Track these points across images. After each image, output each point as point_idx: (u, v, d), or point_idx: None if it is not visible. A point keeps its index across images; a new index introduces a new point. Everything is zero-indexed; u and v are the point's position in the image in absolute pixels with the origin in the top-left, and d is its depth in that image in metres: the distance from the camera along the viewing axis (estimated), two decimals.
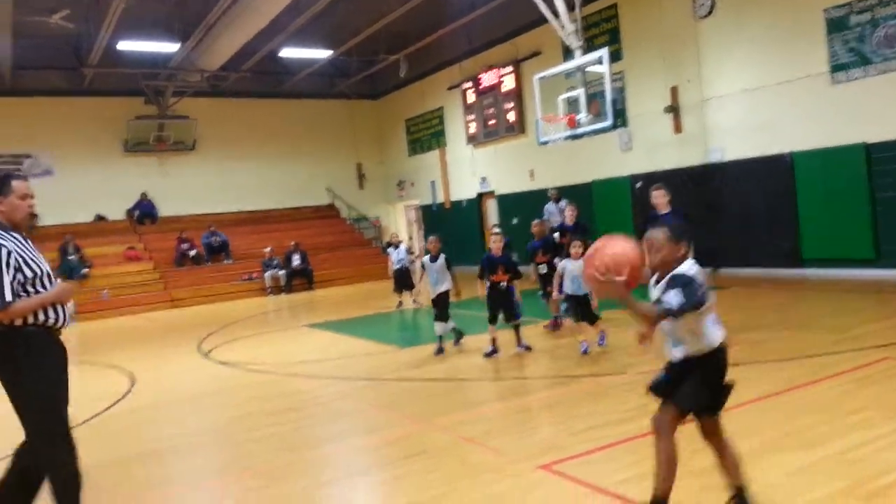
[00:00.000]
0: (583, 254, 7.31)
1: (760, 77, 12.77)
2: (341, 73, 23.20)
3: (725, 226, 13.59)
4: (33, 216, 3.88)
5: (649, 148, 15.02)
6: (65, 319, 3.77)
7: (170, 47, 18.17)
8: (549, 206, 15.40)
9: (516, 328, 7.97)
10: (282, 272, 19.36)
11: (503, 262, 8.01)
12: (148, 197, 21.42)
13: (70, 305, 3.91)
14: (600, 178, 16.09)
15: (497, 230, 8.37)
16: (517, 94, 18.37)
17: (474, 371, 7.58)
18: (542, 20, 14.63)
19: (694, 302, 3.24)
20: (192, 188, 21.98)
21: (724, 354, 3.55)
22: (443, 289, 8.50)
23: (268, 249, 19.59)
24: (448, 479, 4.21)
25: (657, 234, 3.46)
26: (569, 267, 7.50)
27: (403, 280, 13.67)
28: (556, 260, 8.74)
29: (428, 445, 4.92)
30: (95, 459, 5.37)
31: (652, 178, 14.81)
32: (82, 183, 20.42)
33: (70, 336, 13.97)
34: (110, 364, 9.72)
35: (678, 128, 14.35)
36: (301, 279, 19.45)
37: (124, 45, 17.76)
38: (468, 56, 20.02)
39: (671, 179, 14.39)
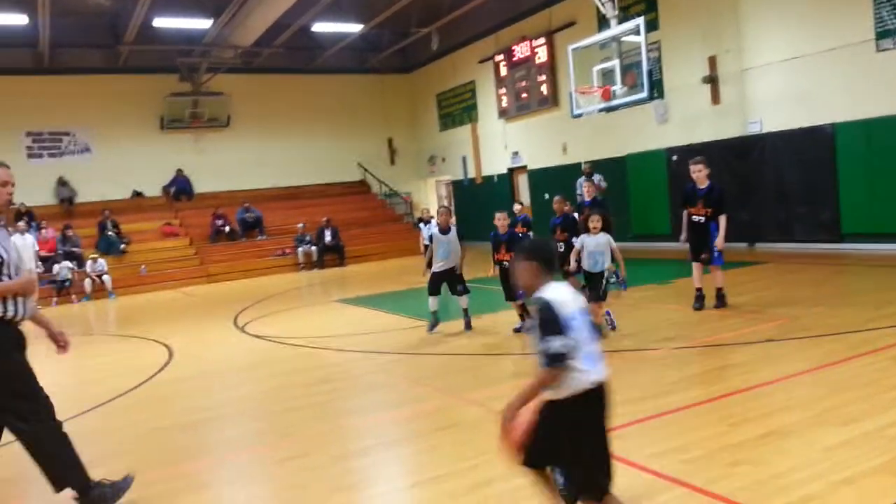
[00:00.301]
0: (602, 228, 7.19)
1: (802, 46, 12.38)
2: (373, 48, 23.12)
3: (764, 199, 13.31)
4: (10, 203, 3.88)
5: (686, 120, 14.71)
6: (23, 314, 3.70)
7: (203, 24, 18.28)
8: (582, 180, 15.22)
9: (521, 306, 7.79)
10: (314, 248, 19.53)
11: (505, 240, 7.97)
12: (184, 173, 21.72)
13: (32, 300, 3.82)
14: (635, 151, 15.84)
15: (501, 212, 8.29)
16: (550, 67, 18.11)
17: (505, 346, 7.58)
18: None
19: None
20: (226, 164, 22.22)
21: (591, 401, 2.75)
22: (450, 264, 8.34)
23: (300, 225, 19.76)
24: (479, 451, 4.23)
25: (516, 259, 2.96)
26: (586, 241, 7.33)
27: None
28: (574, 239, 8.58)
29: (459, 418, 4.94)
30: (135, 430, 5.53)
31: (689, 152, 14.53)
32: (120, 160, 20.79)
33: (109, 310, 14.38)
34: (149, 337, 9.94)
35: (716, 99, 14.02)
36: (332, 255, 19.61)
37: (159, 22, 17.93)
38: (500, 28, 19.76)
39: (708, 152, 14.12)
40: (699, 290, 8.06)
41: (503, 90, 20.01)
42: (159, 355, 8.47)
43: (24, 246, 15.54)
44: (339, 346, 8.09)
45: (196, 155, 22.00)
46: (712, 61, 13.92)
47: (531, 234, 9.36)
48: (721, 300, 8.02)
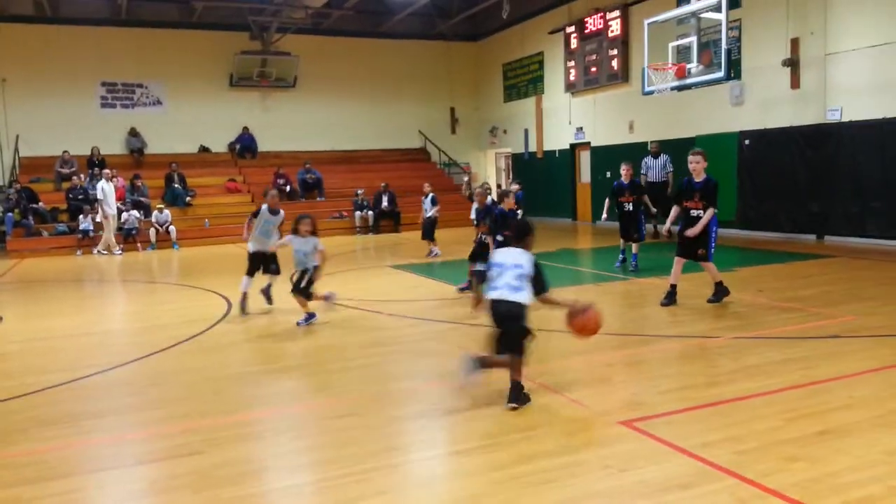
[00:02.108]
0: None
1: (891, 32, 11.74)
2: (442, 14, 22.90)
3: (836, 191, 12.79)
4: None
5: (762, 103, 14.18)
6: None
7: None
8: (648, 160, 14.93)
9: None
10: (370, 212, 19.71)
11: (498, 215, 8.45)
12: (249, 131, 22.12)
13: None
14: (705, 133, 15.36)
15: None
16: (623, 41, 17.65)
17: (560, 322, 7.53)
18: None
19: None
20: (290, 125, 22.52)
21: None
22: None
23: (359, 191, 19.93)
24: (528, 426, 4.25)
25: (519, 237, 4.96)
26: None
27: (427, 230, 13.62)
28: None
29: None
30: (194, 376, 5.74)
31: (763, 136, 14.08)
32: (189, 114, 21.30)
33: (173, 259, 14.86)
34: (209, 289, 10.24)
35: (795, 83, 13.44)
36: (388, 220, 19.75)
37: None
38: None
39: (783, 138, 13.65)
40: (674, 286, 7.74)
41: (572, 63, 19.62)
42: (218, 306, 8.73)
43: (111, 191, 16.26)
44: (391, 311, 8.18)
45: (262, 113, 22.37)
46: (794, 43, 13.33)
47: (520, 211, 9.40)
48: (720, 294, 7.68)
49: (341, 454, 3.94)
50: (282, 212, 8.38)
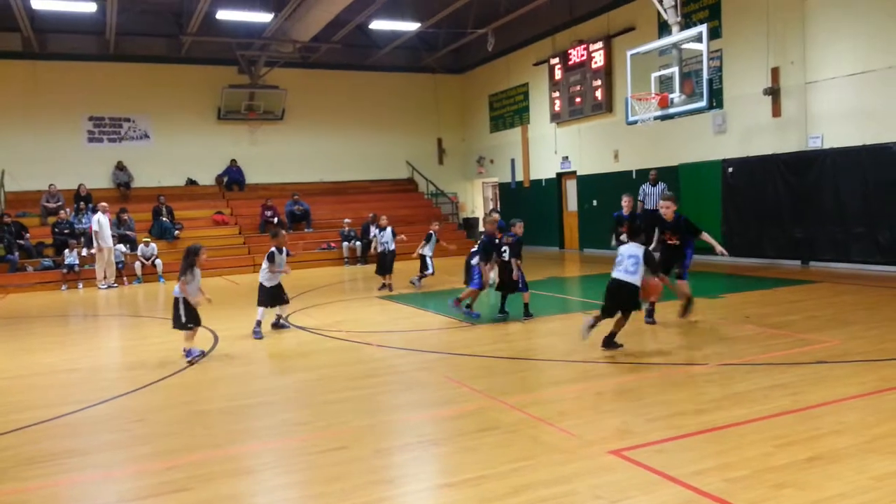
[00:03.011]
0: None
1: (870, 61, 12.01)
2: (428, 47, 23.24)
3: (820, 217, 12.95)
4: None
5: (744, 132, 14.41)
6: None
7: (264, 17, 18.64)
8: (646, 187, 15.22)
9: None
10: (358, 243, 19.71)
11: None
12: (237, 164, 22.18)
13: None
14: (689, 161, 15.57)
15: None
16: (606, 72, 17.94)
17: (548, 351, 7.55)
18: None
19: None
20: (278, 157, 22.63)
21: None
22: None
23: (347, 221, 19.95)
24: (518, 456, 4.23)
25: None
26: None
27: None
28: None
29: (500, 421, 4.94)
30: (181, 411, 5.68)
31: (746, 164, 14.27)
32: (176, 148, 21.37)
33: (159, 293, 14.75)
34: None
35: (777, 112, 13.69)
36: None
37: (222, 15, 18.33)
38: (557, 31, 19.67)
39: (765, 165, 13.84)
40: (653, 303, 8.27)
41: (556, 94, 19.89)
42: (205, 340, 8.66)
43: (106, 224, 16.37)
44: (381, 342, 8.15)
45: (250, 146, 22.46)
46: (775, 73, 13.60)
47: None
48: (688, 309, 8.27)
49: (329, 489, 3.90)
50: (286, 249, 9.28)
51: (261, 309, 8.96)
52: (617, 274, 6.80)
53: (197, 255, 7.72)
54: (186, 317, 7.46)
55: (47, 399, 6.28)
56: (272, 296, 9.05)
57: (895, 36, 11.59)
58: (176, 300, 7.54)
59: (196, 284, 7.67)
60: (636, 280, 6.72)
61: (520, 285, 8.95)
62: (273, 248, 9.02)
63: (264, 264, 8.98)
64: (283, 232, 9.64)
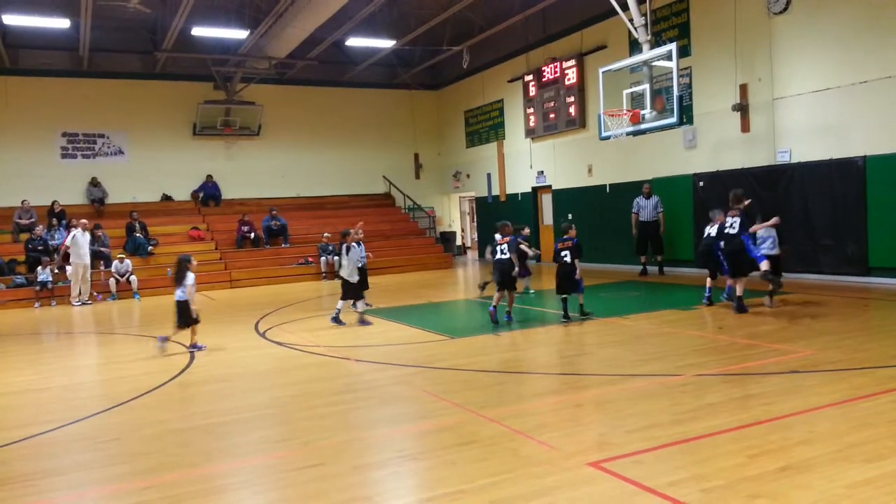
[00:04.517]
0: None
1: (835, 77, 12.32)
2: (404, 63, 23.37)
3: (789, 230, 13.17)
4: None
5: (714, 146, 14.67)
6: None
7: (239, 34, 18.62)
8: (640, 200, 15.47)
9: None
10: (336, 258, 19.65)
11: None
12: (213, 179, 22.04)
13: None
14: (661, 175, 15.81)
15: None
16: (579, 88, 18.18)
17: (527, 364, 7.60)
18: (609, 13, 14.41)
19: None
20: (255, 172, 22.55)
21: None
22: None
23: (326, 236, 19.90)
24: (497, 470, 4.25)
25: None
26: None
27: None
28: None
29: (479, 435, 4.96)
30: (156, 429, 5.61)
31: (716, 177, 14.51)
32: (151, 163, 21.19)
33: (133, 310, 14.57)
34: (172, 339, 10.05)
35: (746, 127, 13.97)
36: None
37: (197, 31, 18.28)
38: (531, 49, 19.90)
39: (735, 180, 14.07)
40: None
41: (531, 110, 20.10)
42: (181, 357, 8.58)
43: (85, 241, 16.15)
44: (360, 356, 8.14)
45: (226, 162, 22.35)
46: (743, 89, 13.89)
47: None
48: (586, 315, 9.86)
49: None
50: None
51: (340, 302, 10.60)
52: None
53: (188, 262, 8.99)
54: (194, 315, 8.95)
55: (19, 419, 6.17)
56: (351, 288, 10.44)
57: (860, 53, 11.91)
58: (181, 302, 8.86)
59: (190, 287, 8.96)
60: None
61: (579, 287, 9.94)
62: (353, 243, 10.49)
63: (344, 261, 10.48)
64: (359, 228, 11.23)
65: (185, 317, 8.86)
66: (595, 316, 9.95)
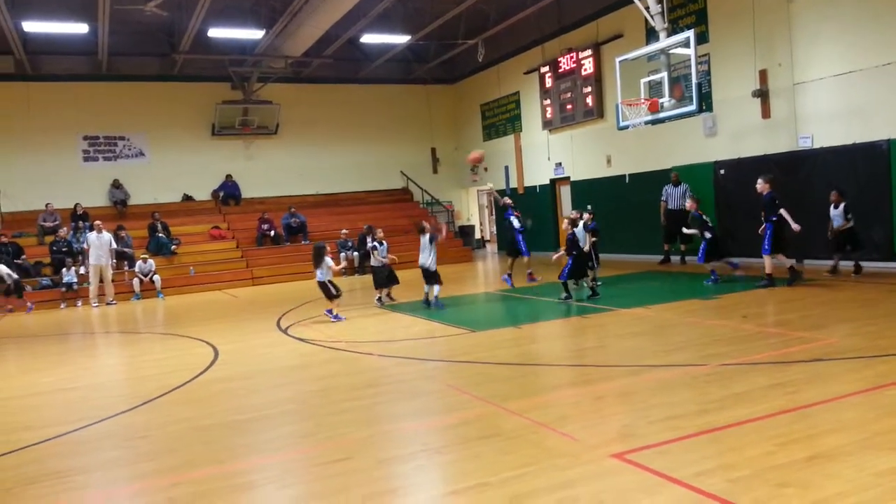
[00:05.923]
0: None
1: (856, 60, 12.12)
2: (419, 58, 23.35)
3: (813, 216, 12.99)
4: None
5: (735, 134, 14.50)
6: None
7: (255, 34, 18.72)
8: (668, 188, 15.36)
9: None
10: (355, 253, 19.74)
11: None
12: (233, 179, 22.22)
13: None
14: (681, 164, 15.65)
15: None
16: (596, 78, 18.05)
17: (548, 356, 7.59)
18: (625, 1, 14.28)
19: None
20: (273, 171, 22.70)
21: None
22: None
23: (344, 232, 19.99)
24: (521, 463, 4.25)
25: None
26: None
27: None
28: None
29: (502, 428, 4.96)
30: (182, 427, 5.68)
31: (738, 164, 14.35)
32: (172, 165, 21.41)
33: (158, 309, 14.76)
34: (195, 337, 10.18)
35: (766, 113, 13.79)
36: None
37: (214, 33, 18.40)
38: (546, 40, 19.79)
39: (757, 166, 13.91)
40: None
41: (548, 101, 20.00)
42: (205, 355, 8.67)
43: (101, 243, 16.29)
44: (381, 351, 8.17)
45: (245, 161, 22.52)
46: (763, 75, 13.71)
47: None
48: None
49: (332, 501, 3.91)
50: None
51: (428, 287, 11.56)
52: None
53: (324, 249, 10.88)
54: (335, 289, 10.72)
55: (49, 418, 6.29)
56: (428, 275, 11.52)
57: (880, 35, 11.70)
58: (322, 283, 10.71)
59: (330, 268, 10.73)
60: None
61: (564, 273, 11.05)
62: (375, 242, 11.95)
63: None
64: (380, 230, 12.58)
65: (328, 293, 10.63)
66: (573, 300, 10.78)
